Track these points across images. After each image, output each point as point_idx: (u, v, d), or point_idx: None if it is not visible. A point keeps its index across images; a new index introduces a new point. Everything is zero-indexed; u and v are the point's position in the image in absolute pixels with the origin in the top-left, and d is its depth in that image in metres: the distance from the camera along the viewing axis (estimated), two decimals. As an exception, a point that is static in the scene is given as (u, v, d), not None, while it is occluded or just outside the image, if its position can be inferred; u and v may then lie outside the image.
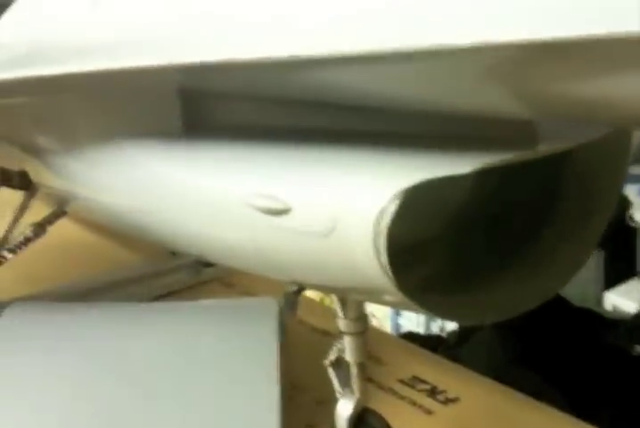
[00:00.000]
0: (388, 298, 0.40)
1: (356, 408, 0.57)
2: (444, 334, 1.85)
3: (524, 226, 0.51)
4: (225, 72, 0.39)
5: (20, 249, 0.86)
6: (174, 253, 0.97)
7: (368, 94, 0.37)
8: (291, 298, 0.60)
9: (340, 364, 0.59)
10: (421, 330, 1.93)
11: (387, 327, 2.05)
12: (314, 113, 0.45)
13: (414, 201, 0.36)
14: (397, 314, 2.03)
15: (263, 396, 0.62)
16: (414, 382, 0.72)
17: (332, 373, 0.59)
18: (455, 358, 1.55)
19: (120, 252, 0.98)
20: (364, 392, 0.58)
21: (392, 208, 0.36)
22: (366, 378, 0.59)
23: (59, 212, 0.84)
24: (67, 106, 0.58)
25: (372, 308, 2.12)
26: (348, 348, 0.57)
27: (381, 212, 0.36)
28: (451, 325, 1.71)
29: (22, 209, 0.88)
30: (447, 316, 0.44)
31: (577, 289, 1.52)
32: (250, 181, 0.44)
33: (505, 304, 0.47)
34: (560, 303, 1.36)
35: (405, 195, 0.36)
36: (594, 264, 1.61)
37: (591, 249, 0.50)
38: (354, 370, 0.57)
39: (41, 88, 0.52)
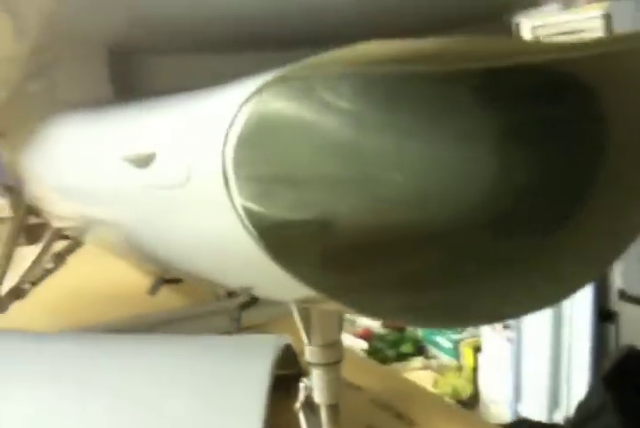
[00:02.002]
0: (255, 265, 0.28)
1: (325, 465, 0.44)
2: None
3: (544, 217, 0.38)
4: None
5: (41, 280, 0.81)
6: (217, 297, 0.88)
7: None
8: (235, 312, 0.48)
9: (311, 407, 0.46)
10: (542, 417, 1.71)
11: (506, 413, 1.84)
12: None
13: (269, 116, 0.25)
14: (518, 401, 1.82)
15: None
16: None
17: (301, 418, 0.46)
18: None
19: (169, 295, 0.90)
20: (337, 444, 0.44)
21: (239, 122, 0.25)
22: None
23: (77, 241, 0.79)
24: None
25: (491, 395, 1.92)
26: (316, 385, 0.44)
27: (227, 132, 0.25)
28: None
29: (48, 245, 0.83)
30: (374, 313, 0.31)
31: None
32: (129, 132, 0.36)
33: (500, 306, 0.35)
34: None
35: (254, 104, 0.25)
36: None
37: (621, 249, 0.36)
38: (324, 414, 0.44)
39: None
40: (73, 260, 0.76)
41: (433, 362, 2.00)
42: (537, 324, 1.76)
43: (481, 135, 0.38)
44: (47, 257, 0.80)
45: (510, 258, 0.35)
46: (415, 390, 0.72)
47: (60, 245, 0.79)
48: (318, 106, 0.35)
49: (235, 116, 0.25)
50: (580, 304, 1.66)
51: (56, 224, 0.68)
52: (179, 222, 0.33)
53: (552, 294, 0.34)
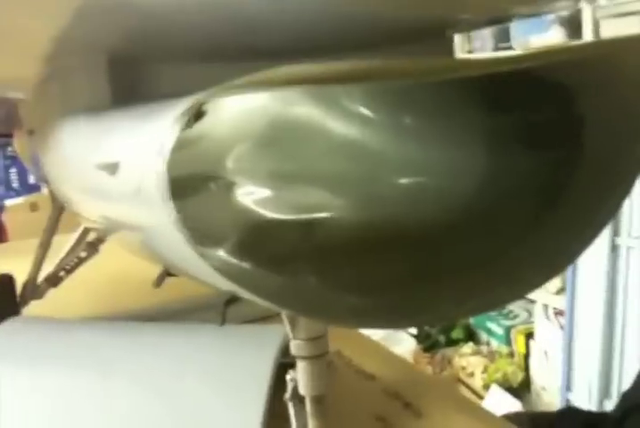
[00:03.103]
0: (194, 268, 0.30)
1: (307, 455, 0.45)
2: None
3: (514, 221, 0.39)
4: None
5: (75, 268, 0.85)
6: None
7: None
8: (223, 308, 0.49)
9: (299, 398, 0.47)
10: (593, 406, 1.68)
11: (556, 402, 1.82)
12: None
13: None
14: (568, 389, 1.79)
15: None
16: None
17: (290, 410, 0.48)
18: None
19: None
20: (321, 435, 0.46)
21: (172, 136, 0.27)
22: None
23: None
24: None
25: (542, 383, 1.90)
26: (300, 377, 0.46)
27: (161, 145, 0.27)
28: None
29: (83, 234, 0.86)
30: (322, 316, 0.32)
31: None
32: (103, 140, 0.38)
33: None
34: None
35: (184, 119, 0.27)
36: None
37: (576, 254, 0.36)
38: (309, 406, 0.46)
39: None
40: (103, 249, 0.79)
41: (484, 348, 1.99)
42: (590, 312, 1.73)
43: (473, 138, 0.39)
44: (82, 246, 0.83)
45: (472, 261, 0.36)
46: (427, 381, 0.73)
47: (93, 234, 0.82)
48: (332, 109, 0.37)
49: (165, 137, 0.27)
50: (634, 293, 1.62)
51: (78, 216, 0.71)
52: (142, 229, 0.35)
53: (504, 297, 0.34)
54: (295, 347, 0.45)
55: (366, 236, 0.39)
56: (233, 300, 0.46)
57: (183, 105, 0.28)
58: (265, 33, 0.36)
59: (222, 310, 0.44)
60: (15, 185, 3.43)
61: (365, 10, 0.28)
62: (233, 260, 0.34)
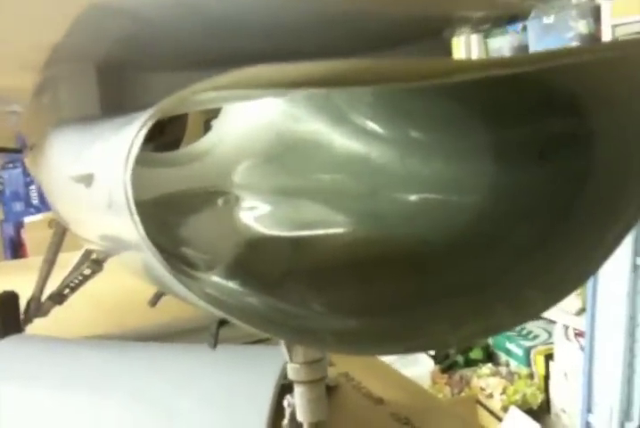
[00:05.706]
0: (163, 281, 0.29)
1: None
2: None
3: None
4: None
5: (80, 286, 0.84)
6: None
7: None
8: (215, 330, 0.47)
9: (297, 424, 0.45)
10: (613, 429, 1.64)
11: (576, 424, 1.78)
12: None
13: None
14: (589, 411, 1.75)
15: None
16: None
17: (288, 438, 0.45)
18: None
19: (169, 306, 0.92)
20: (319, 465, 0.44)
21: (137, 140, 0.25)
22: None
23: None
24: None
25: (562, 405, 1.86)
26: (298, 402, 0.43)
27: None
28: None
29: (88, 252, 0.85)
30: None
31: None
32: (79, 152, 0.36)
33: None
34: None
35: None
36: None
37: (584, 277, 0.34)
38: (307, 434, 0.44)
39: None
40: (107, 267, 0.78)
41: (503, 369, 1.95)
42: (610, 333, 1.69)
43: (480, 151, 0.37)
44: (87, 262, 0.82)
45: (472, 281, 0.34)
46: (439, 406, 0.70)
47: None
48: (338, 124, 0.35)
49: (129, 151, 0.25)
50: (656, 313, 1.59)
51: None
52: (119, 247, 0.33)
53: (505, 321, 0.32)
54: (292, 371, 0.43)
55: (362, 256, 0.37)
56: (225, 321, 0.44)
57: (145, 116, 0.26)
58: (253, 38, 0.35)
59: (214, 332, 0.42)
60: (35, 201, 3.45)
61: (353, 9, 0.27)
62: (225, 282, 0.33)
